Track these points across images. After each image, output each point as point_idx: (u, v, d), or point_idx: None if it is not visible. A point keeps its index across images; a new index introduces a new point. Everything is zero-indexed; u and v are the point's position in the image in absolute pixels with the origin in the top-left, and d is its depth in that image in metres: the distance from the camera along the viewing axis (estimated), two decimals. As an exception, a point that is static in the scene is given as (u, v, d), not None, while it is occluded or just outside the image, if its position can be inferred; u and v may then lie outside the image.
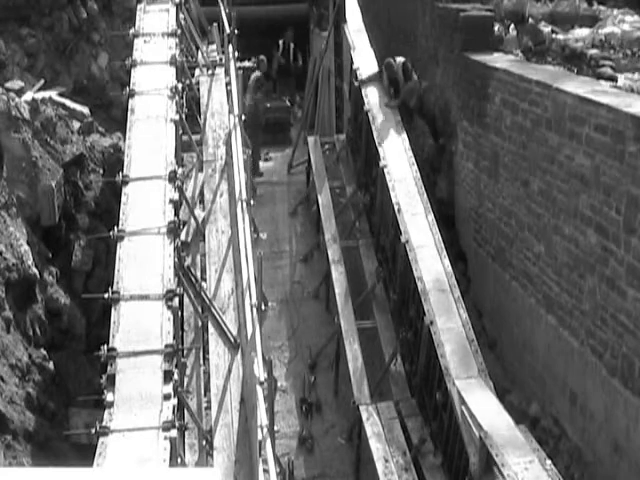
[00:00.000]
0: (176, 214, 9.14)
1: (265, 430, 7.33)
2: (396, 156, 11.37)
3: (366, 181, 12.67)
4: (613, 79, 10.27)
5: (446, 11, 12.70)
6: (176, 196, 9.23)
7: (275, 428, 7.90)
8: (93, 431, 6.86)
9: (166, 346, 7.55)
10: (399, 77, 12.61)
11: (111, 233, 8.66)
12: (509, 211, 10.84)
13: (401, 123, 11.92)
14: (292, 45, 18.47)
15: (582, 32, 12.11)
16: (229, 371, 8.90)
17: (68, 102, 13.15)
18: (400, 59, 12.72)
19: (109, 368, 7.42)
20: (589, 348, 9.05)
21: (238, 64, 12.84)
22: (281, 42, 18.35)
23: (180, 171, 9.64)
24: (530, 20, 12.46)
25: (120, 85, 13.75)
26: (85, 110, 13.25)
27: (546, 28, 12.18)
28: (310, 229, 13.46)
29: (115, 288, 8.06)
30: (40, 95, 12.70)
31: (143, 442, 6.76)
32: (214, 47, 14.21)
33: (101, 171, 12.13)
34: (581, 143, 9.03)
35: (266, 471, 7.35)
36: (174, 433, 6.90)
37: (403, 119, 12.07)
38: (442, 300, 9.43)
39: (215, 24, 14.34)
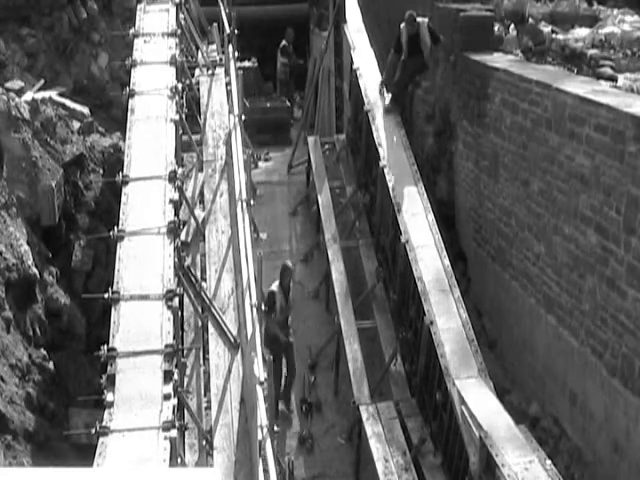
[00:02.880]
0: (176, 214, 9.14)
1: (265, 430, 7.34)
2: (396, 156, 11.37)
3: (366, 181, 12.67)
4: (613, 79, 10.28)
5: (446, 11, 12.69)
6: (176, 196, 9.23)
7: (275, 428, 7.90)
8: (93, 431, 6.87)
9: (166, 346, 7.55)
10: (424, 37, 12.18)
11: (111, 233, 8.66)
12: (509, 211, 10.84)
13: (401, 123, 11.92)
14: (291, 46, 18.47)
15: (582, 32, 12.11)
16: (229, 371, 8.90)
17: (68, 102, 13.16)
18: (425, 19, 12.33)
19: (109, 368, 7.42)
20: (589, 348, 9.05)
21: (238, 64, 12.84)
22: (284, 42, 18.35)
23: (180, 171, 9.64)
24: (530, 20, 12.46)
25: (120, 85, 13.76)
26: (85, 110, 13.26)
27: (546, 28, 12.18)
28: (310, 229, 13.46)
29: (115, 288, 8.07)
30: (40, 95, 12.70)
31: (143, 442, 6.76)
32: (214, 47, 14.22)
33: (101, 171, 12.13)
34: (581, 143, 9.03)
35: (266, 471, 7.35)
36: (174, 433, 6.90)
37: (403, 119, 12.08)
38: (442, 300, 9.43)
39: (215, 24, 14.35)
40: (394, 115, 12.06)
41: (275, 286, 10.35)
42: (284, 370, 10.64)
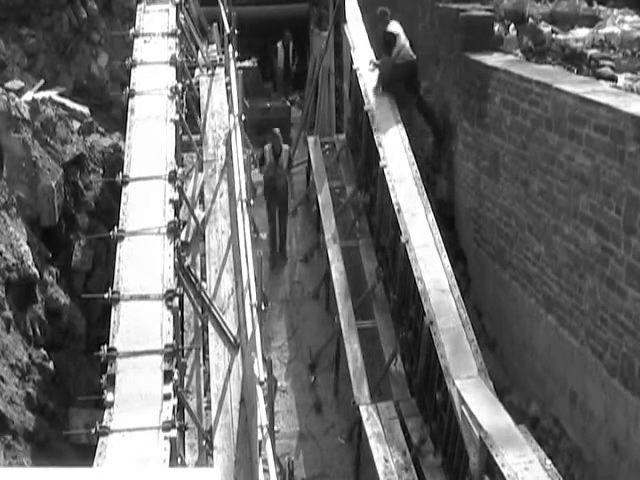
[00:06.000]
0: (176, 214, 9.14)
1: (265, 430, 7.34)
2: (396, 156, 11.37)
3: (366, 181, 12.67)
4: (613, 79, 10.27)
5: (446, 11, 12.70)
6: (176, 196, 9.23)
7: (275, 428, 7.90)
8: (93, 431, 6.87)
9: (166, 346, 7.55)
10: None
11: (111, 233, 8.66)
12: (509, 211, 10.84)
13: (401, 123, 11.92)
14: (291, 47, 18.45)
15: (582, 32, 12.11)
16: (229, 371, 8.90)
17: (68, 102, 13.15)
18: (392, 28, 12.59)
19: (109, 368, 7.43)
20: (589, 348, 9.05)
21: (238, 64, 12.84)
22: (280, 45, 18.33)
23: (180, 171, 9.64)
24: (530, 20, 12.45)
25: (120, 85, 13.75)
26: (85, 110, 13.25)
27: (546, 28, 12.17)
28: (310, 229, 13.46)
29: (115, 288, 8.07)
30: (40, 95, 12.69)
31: (143, 442, 6.76)
32: (214, 47, 14.22)
33: (101, 171, 12.13)
34: (581, 143, 9.03)
35: (266, 471, 7.36)
36: (174, 433, 6.90)
37: (403, 119, 12.08)
38: (442, 300, 9.43)
39: (215, 24, 14.35)
40: (394, 114, 12.07)
41: (267, 146, 13.02)
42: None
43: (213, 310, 9.40)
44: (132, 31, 11.93)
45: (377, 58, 12.93)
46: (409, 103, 12.82)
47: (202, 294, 9.53)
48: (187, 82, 12.24)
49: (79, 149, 11.75)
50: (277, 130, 13.16)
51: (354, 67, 13.17)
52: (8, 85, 12.41)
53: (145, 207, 9.03)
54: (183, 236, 10.30)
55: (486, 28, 12.07)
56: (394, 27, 12.59)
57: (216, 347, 9.14)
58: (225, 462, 8.14)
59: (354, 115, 13.76)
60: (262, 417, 7.42)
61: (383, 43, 12.59)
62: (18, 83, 12.75)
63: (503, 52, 11.89)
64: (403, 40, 12.51)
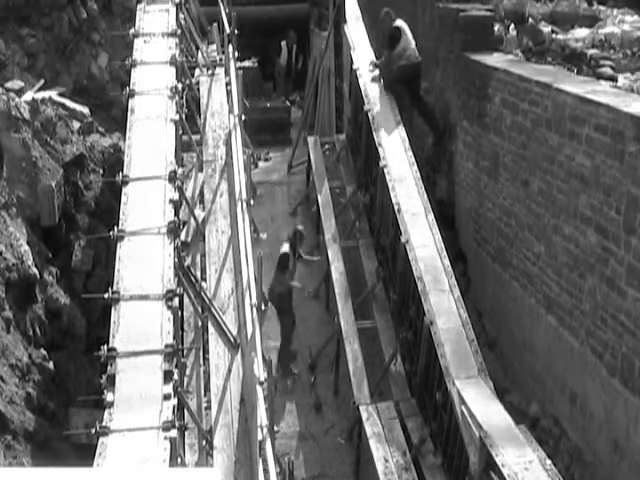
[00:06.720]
0: (176, 214, 9.15)
1: (265, 430, 7.34)
2: (396, 156, 11.36)
3: (366, 181, 12.67)
4: (613, 79, 10.27)
5: (446, 11, 12.70)
6: (176, 196, 9.23)
7: (275, 428, 7.90)
8: (93, 431, 6.87)
9: (166, 346, 7.55)
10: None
11: (111, 233, 8.66)
12: (509, 211, 10.84)
13: (401, 123, 11.92)
14: (294, 47, 18.48)
15: (582, 32, 12.11)
16: (229, 371, 8.91)
17: (68, 102, 13.16)
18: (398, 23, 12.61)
19: (109, 368, 7.43)
20: (589, 348, 9.05)
21: (238, 64, 12.84)
22: (284, 44, 18.35)
23: (180, 171, 9.64)
24: (530, 20, 12.45)
25: (120, 85, 13.76)
26: (85, 110, 13.26)
27: (546, 28, 12.17)
28: (310, 229, 13.44)
29: (115, 288, 8.07)
30: (40, 95, 12.70)
31: (143, 442, 6.77)
32: (214, 47, 14.22)
33: (101, 171, 12.14)
34: (581, 143, 9.03)
35: (266, 471, 7.36)
36: (174, 433, 6.91)
37: (403, 118, 12.08)
38: (442, 300, 9.43)
39: (215, 24, 14.36)
40: (394, 115, 12.06)
41: (286, 248, 11.26)
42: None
43: (213, 310, 9.41)
44: (132, 31, 11.93)
45: (377, 58, 12.93)
46: (409, 105, 12.82)
47: (202, 294, 9.53)
48: (187, 82, 12.24)
49: (79, 149, 11.76)
50: (300, 227, 11.56)
51: (354, 67, 13.16)
52: (8, 85, 12.41)
53: (145, 207, 9.03)
54: (183, 236, 10.31)
55: (486, 28, 12.06)
56: (401, 24, 12.58)
57: (216, 347, 9.14)
58: (225, 462, 8.15)
59: (354, 115, 13.75)
60: (262, 417, 7.42)
61: (388, 37, 12.53)
62: (18, 83, 12.75)
63: (503, 52, 11.88)
64: (410, 40, 12.49)
